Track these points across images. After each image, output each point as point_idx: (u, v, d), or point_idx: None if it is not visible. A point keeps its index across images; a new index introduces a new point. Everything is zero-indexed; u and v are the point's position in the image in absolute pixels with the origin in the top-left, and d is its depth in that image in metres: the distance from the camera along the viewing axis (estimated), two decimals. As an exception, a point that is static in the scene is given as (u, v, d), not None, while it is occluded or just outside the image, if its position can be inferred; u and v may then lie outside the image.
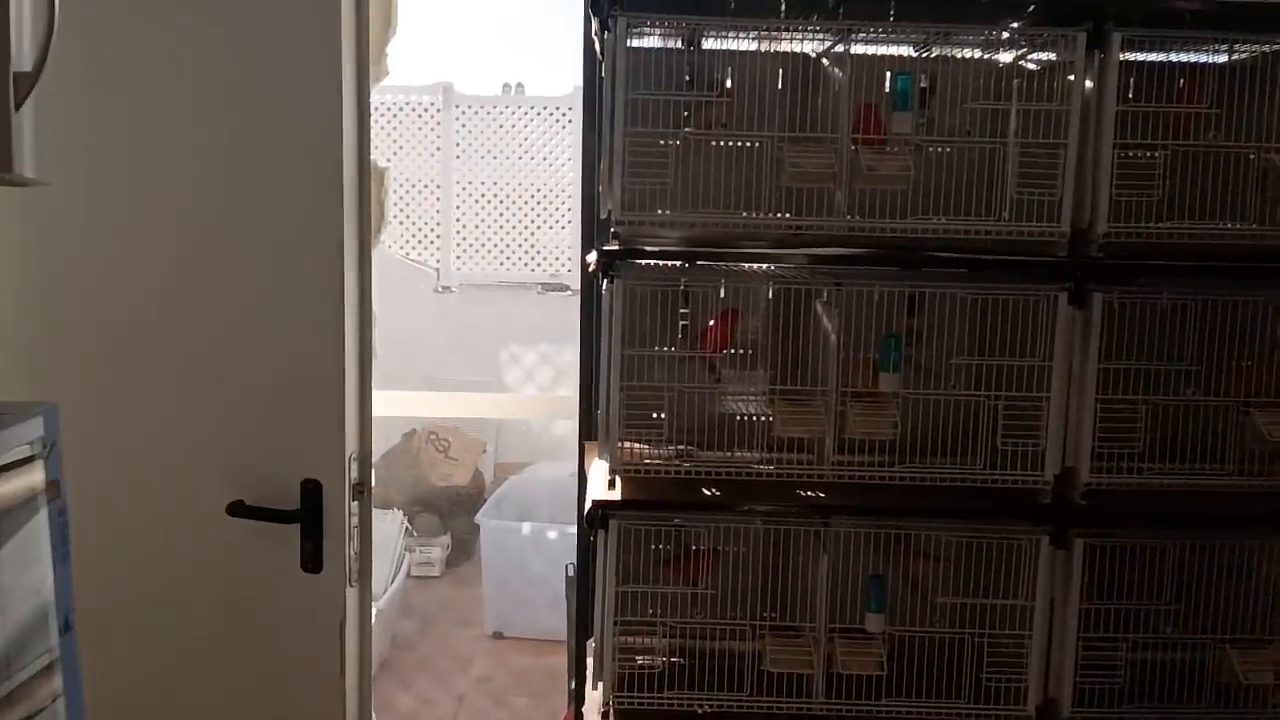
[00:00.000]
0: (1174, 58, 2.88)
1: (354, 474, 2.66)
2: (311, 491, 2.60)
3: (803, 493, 2.80)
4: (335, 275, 2.57)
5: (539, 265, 8.83)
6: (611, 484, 2.75)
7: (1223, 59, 2.91)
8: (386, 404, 4.15)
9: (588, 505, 2.74)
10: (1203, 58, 2.92)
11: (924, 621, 2.86)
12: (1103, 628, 2.77)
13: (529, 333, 8.82)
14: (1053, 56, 2.79)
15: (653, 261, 2.84)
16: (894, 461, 2.75)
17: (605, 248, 2.73)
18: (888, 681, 2.78)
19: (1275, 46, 2.77)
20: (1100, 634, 2.76)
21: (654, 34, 2.85)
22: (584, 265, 3.24)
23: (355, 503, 2.67)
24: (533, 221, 8.80)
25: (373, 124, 2.70)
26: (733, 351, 2.97)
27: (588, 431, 3.31)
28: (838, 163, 2.67)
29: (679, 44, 2.97)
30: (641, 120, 2.70)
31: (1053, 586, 2.76)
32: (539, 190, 8.77)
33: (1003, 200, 2.71)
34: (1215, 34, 2.74)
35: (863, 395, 2.75)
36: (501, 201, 8.84)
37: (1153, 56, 2.85)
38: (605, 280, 2.72)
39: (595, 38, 2.88)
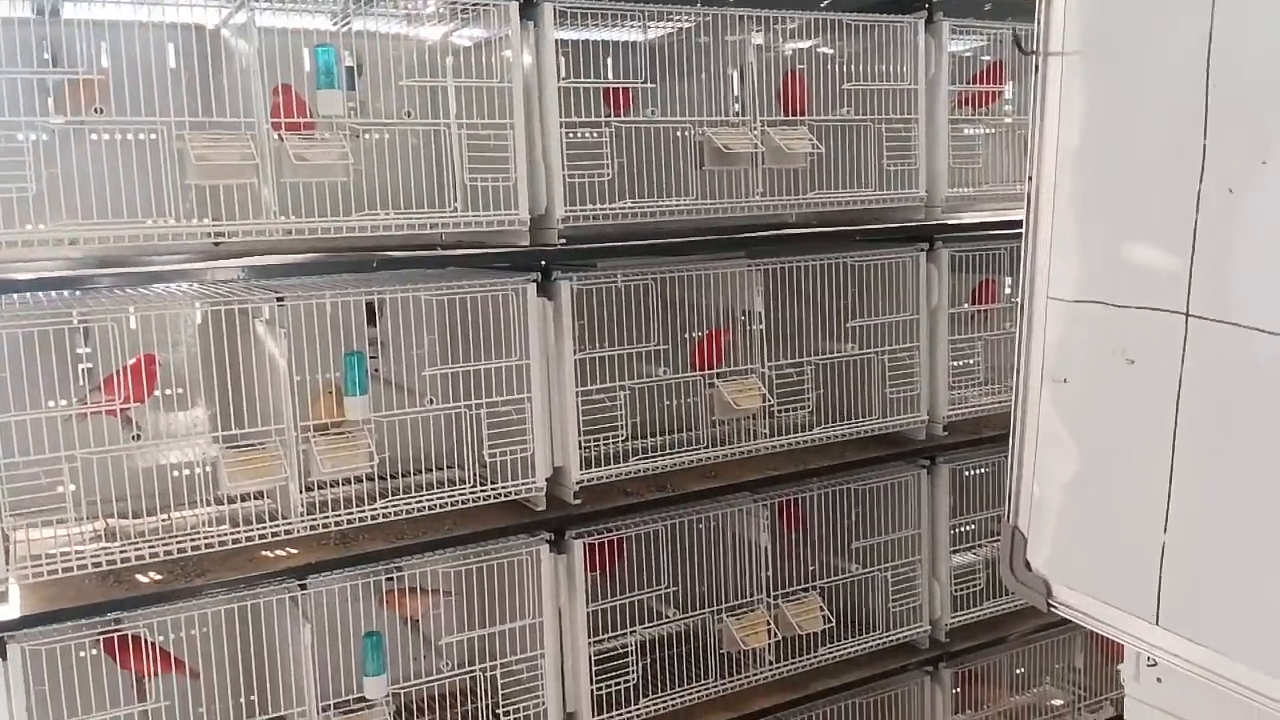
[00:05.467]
0: (607, 36, 2.82)
1: None
2: None
3: (270, 554, 2.33)
4: None
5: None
6: (2, 596, 2.04)
7: (654, 35, 2.91)
8: None
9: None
10: (635, 36, 2.90)
11: (430, 669, 2.54)
12: (611, 627, 2.67)
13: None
14: (484, 32, 2.56)
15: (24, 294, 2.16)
16: (374, 495, 2.38)
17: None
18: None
19: (691, 21, 2.82)
20: (610, 634, 2.66)
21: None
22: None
23: None
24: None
25: None
26: (156, 395, 2.38)
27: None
28: (258, 153, 2.20)
29: (31, 12, 2.29)
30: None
31: (557, 595, 2.59)
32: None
33: (454, 188, 2.44)
34: (639, 6, 2.70)
35: (328, 427, 2.34)
36: None
37: (588, 34, 2.76)
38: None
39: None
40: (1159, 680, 1.70)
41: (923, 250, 3.00)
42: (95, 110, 2.13)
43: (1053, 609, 1.69)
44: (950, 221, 3.09)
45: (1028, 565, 1.70)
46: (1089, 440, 1.58)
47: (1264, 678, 1.36)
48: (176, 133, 2.16)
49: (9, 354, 2.18)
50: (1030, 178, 1.58)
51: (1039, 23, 1.57)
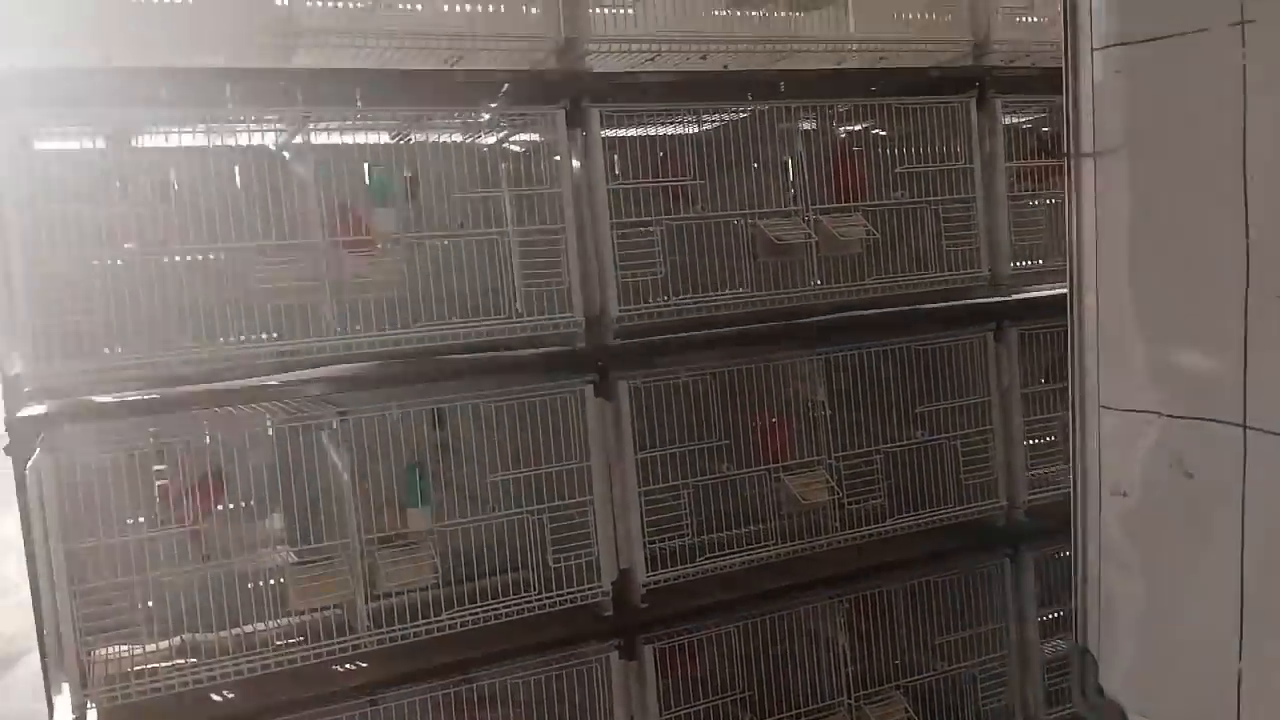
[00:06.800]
0: (654, 132, 2.85)
1: None
2: None
3: (340, 668, 2.31)
4: None
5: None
6: (78, 724, 2.05)
7: (694, 130, 2.93)
8: None
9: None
10: (679, 130, 2.93)
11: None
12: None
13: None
14: (537, 137, 2.61)
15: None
16: (441, 601, 2.36)
17: (23, 413, 2.05)
18: None
19: (740, 115, 2.83)
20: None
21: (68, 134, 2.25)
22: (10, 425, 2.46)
23: None
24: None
25: None
26: (223, 508, 2.41)
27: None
28: (318, 272, 2.25)
29: (101, 144, 2.39)
30: (50, 240, 2.09)
31: (629, 703, 2.52)
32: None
33: (511, 294, 2.46)
34: (684, 103, 2.73)
35: (392, 539, 2.33)
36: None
37: (634, 132, 2.79)
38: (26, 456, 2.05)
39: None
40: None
41: (990, 330, 2.93)
42: (162, 242, 2.20)
43: (1130, 738, 1.57)
44: (1017, 298, 3.01)
45: (1100, 690, 1.59)
46: (1154, 558, 1.49)
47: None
48: (241, 256, 2.22)
49: (82, 480, 2.22)
50: (1070, 282, 1.52)
51: (1067, 124, 1.53)
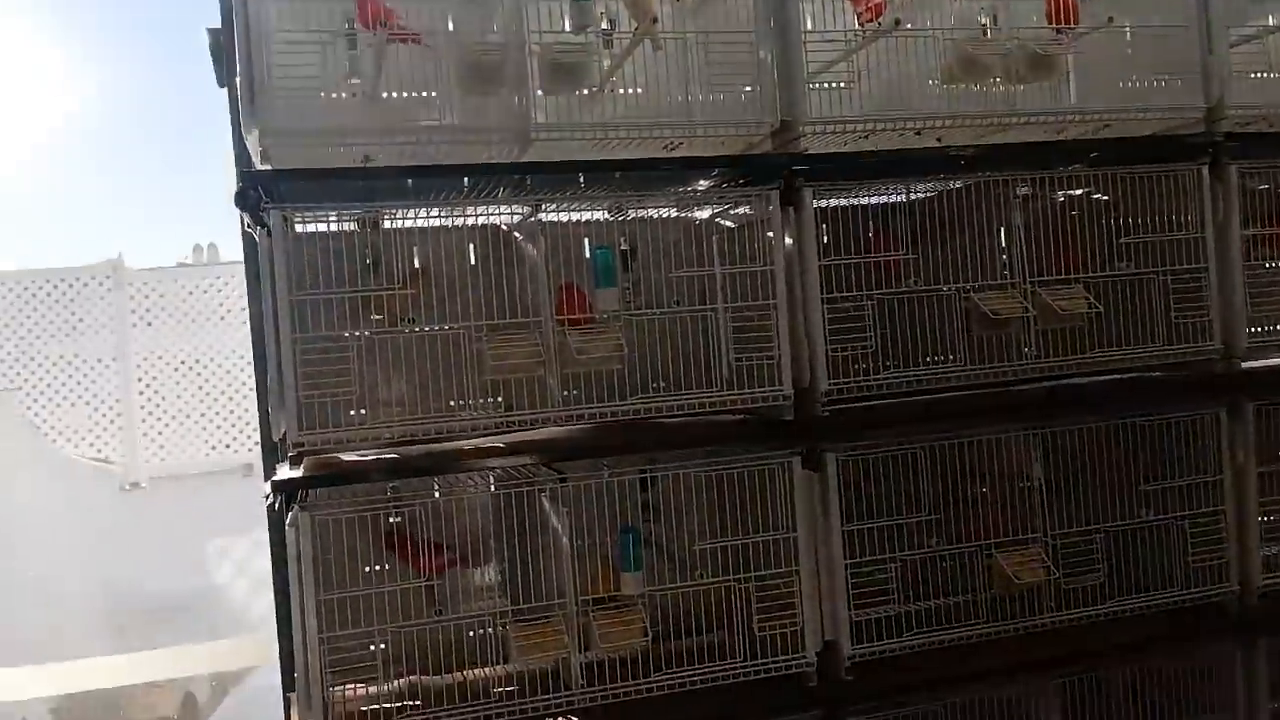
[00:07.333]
0: (862, 202, 2.88)
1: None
2: None
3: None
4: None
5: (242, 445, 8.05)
6: (324, 760, 2.26)
7: (906, 199, 2.94)
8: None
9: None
10: (888, 200, 2.95)
11: None
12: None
13: (240, 519, 7.95)
14: (749, 210, 2.69)
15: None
16: (648, 668, 2.45)
17: (281, 476, 2.30)
18: None
19: (948, 187, 2.82)
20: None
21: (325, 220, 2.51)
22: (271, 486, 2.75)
23: None
24: (230, 398, 8.05)
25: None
26: (454, 564, 2.61)
27: (290, 682, 2.78)
28: (544, 348, 2.40)
29: (353, 226, 2.65)
30: (313, 319, 2.34)
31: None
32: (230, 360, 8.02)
33: (721, 367, 2.55)
34: (897, 179, 2.75)
35: (605, 602, 2.45)
36: (194, 379, 8.03)
37: (846, 201, 2.83)
38: (288, 512, 2.28)
39: (249, 230, 2.49)
40: None
41: (1223, 407, 2.78)
42: (408, 320, 2.42)
43: None
44: (1252, 368, 2.84)
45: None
46: None
47: None
48: (475, 335, 2.41)
49: (332, 533, 2.45)
50: None
51: None
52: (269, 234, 2.24)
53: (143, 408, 7.96)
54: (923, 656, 2.61)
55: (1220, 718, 2.80)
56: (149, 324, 7.99)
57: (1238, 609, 2.80)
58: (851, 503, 2.60)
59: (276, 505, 2.36)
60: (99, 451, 7.92)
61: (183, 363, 8.04)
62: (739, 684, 2.49)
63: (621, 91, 2.68)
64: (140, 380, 7.99)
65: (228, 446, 8.03)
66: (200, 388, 8.06)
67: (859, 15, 2.53)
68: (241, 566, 7.88)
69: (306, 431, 2.27)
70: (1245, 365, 2.81)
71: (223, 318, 8.13)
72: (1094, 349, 2.74)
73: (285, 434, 2.31)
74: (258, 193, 2.26)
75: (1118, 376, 2.81)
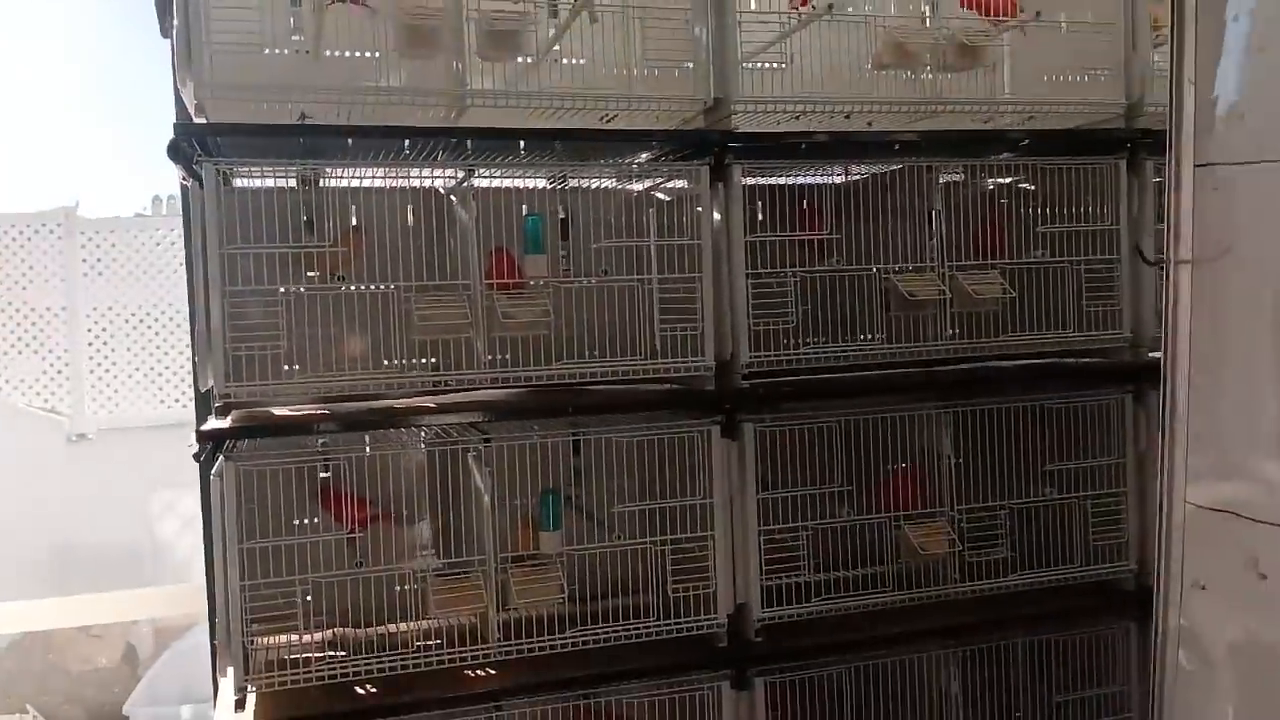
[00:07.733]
0: (794, 181, 2.96)
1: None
2: None
3: (471, 674, 2.52)
4: None
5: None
6: (240, 705, 2.32)
7: (839, 180, 3.02)
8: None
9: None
10: (820, 180, 3.03)
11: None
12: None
13: (187, 473, 7.91)
14: (684, 184, 2.75)
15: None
16: (566, 618, 2.54)
17: (207, 426, 2.35)
18: None
19: (880, 169, 2.90)
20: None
21: (260, 175, 2.54)
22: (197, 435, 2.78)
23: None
24: (181, 353, 8.00)
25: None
26: (378, 518, 2.67)
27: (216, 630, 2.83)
28: (472, 311, 2.46)
29: (294, 184, 2.68)
30: (244, 274, 2.38)
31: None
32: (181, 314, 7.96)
33: (647, 336, 2.62)
34: (826, 161, 2.82)
35: (524, 559, 2.52)
36: (144, 331, 7.97)
37: (774, 180, 2.91)
38: (214, 463, 2.33)
39: (182, 183, 2.52)
40: None
41: (1129, 392, 2.90)
42: (339, 278, 2.47)
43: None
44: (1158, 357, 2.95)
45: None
46: (1226, 654, 1.50)
47: None
48: (404, 295, 2.46)
49: (258, 485, 2.50)
50: (1164, 383, 1.55)
51: (1168, 230, 1.56)
52: (202, 187, 2.27)
53: (91, 359, 7.89)
54: (832, 622, 2.72)
55: (1113, 689, 2.93)
56: (99, 274, 7.90)
57: (1135, 586, 2.93)
58: (768, 472, 2.70)
59: (203, 456, 2.41)
60: (46, 401, 7.85)
61: (133, 314, 7.97)
62: (653, 642, 2.58)
63: (565, 62, 2.72)
64: (90, 331, 7.91)
65: (176, 400, 7.99)
66: (150, 340, 8.00)
67: (793, -1, 2.60)
68: (187, 520, 7.87)
69: (233, 383, 2.32)
70: (1151, 355, 2.93)
71: (176, 270, 8.05)
72: (1009, 333, 2.84)
73: (213, 385, 2.35)
74: (192, 146, 2.28)
75: (1030, 361, 2.92)
